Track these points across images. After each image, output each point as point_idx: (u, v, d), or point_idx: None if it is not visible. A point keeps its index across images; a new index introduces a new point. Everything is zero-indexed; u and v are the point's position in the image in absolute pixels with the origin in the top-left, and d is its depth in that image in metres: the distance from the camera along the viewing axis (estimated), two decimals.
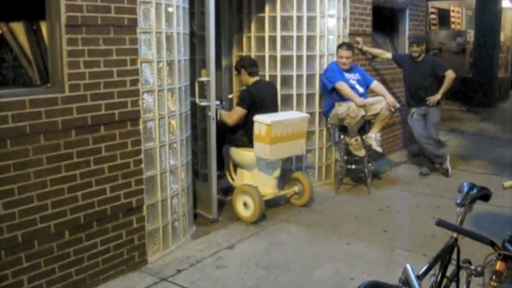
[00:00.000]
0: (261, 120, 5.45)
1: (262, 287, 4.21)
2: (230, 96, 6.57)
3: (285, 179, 6.14)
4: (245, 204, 5.55)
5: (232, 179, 6.08)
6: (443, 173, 7.33)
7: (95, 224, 4.08)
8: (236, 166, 6.03)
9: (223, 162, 6.16)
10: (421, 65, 7.21)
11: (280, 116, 5.80)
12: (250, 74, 5.79)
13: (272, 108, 5.83)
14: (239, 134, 5.80)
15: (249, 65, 5.82)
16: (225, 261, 4.63)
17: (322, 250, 4.89)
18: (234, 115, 5.73)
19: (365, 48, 7.39)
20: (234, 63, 6.81)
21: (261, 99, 5.67)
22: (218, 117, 5.47)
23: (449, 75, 7.19)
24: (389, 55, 7.64)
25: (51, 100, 3.67)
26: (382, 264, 4.56)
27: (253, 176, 5.78)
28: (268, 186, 5.79)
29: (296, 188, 6.06)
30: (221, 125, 5.81)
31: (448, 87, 7.26)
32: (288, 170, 6.35)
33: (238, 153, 5.84)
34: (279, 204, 6.08)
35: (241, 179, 5.90)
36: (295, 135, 5.67)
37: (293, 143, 5.68)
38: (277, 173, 5.85)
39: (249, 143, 5.64)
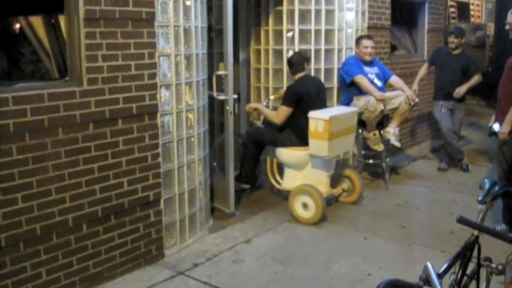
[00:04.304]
0: (318, 116, 5.25)
1: (279, 281, 4.20)
2: (271, 97, 6.34)
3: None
4: (304, 205, 5.35)
5: (278, 182, 5.87)
6: (463, 169, 7.25)
7: (113, 217, 4.09)
8: (280, 167, 5.87)
9: (254, 174, 6.09)
10: (457, 59, 7.10)
11: (334, 111, 5.65)
12: (295, 72, 5.71)
13: (319, 104, 5.61)
14: (286, 133, 5.61)
15: (295, 62, 5.69)
16: (242, 256, 4.62)
17: (339, 245, 4.86)
18: (281, 115, 5.54)
19: (415, 86, 7.29)
20: (251, 57, 6.81)
21: (306, 95, 5.51)
22: (235, 111, 5.43)
23: (478, 78, 7.11)
24: (426, 66, 7.49)
25: (70, 94, 3.68)
26: (400, 260, 4.53)
27: (306, 176, 5.57)
28: (322, 184, 5.55)
29: (345, 186, 5.91)
30: (258, 131, 5.82)
31: (472, 86, 7.16)
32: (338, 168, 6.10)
33: (287, 153, 5.63)
34: (330, 203, 5.82)
35: (291, 180, 5.66)
36: (347, 130, 5.52)
37: (346, 138, 5.52)
38: (332, 170, 5.66)
39: (298, 141, 5.52)
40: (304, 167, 5.59)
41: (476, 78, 7.12)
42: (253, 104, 6.16)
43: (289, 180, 5.69)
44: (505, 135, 4.87)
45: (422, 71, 7.49)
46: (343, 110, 5.77)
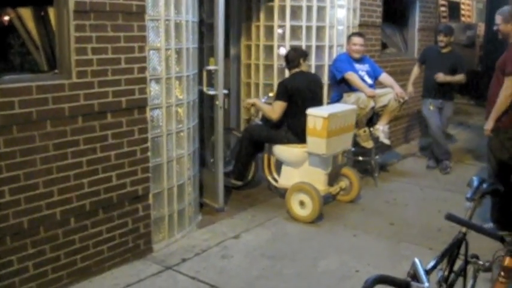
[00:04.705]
0: (316, 114, 5.23)
1: (268, 277, 4.20)
2: (270, 94, 6.20)
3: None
4: (301, 203, 5.31)
5: (275, 180, 5.85)
6: (442, 168, 7.21)
7: (101, 211, 4.07)
8: (277, 165, 5.83)
9: (247, 171, 6.11)
10: (446, 57, 7.10)
11: (333, 108, 5.60)
12: (290, 68, 5.70)
13: (312, 100, 5.55)
14: (283, 130, 5.59)
15: (290, 59, 5.67)
16: (230, 251, 4.62)
17: (328, 242, 4.87)
18: (276, 110, 5.51)
19: (410, 88, 7.37)
20: (242, 52, 6.80)
21: (296, 90, 5.46)
22: (226, 106, 5.41)
23: (461, 77, 7.12)
24: (417, 66, 7.51)
25: (58, 86, 3.65)
26: (388, 257, 4.54)
27: (304, 173, 5.53)
28: (320, 183, 5.49)
29: (343, 184, 5.87)
30: (256, 128, 5.79)
31: (454, 82, 7.17)
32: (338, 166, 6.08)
33: (285, 151, 5.60)
34: (327, 202, 5.78)
35: (288, 177, 5.63)
36: (346, 128, 5.48)
37: (344, 136, 5.50)
38: (330, 168, 5.59)
39: (295, 139, 5.49)
40: (302, 165, 5.56)
41: (459, 77, 7.12)
42: (250, 100, 6.12)
43: (286, 178, 5.66)
44: (488, 132, 4.91)
45: (415, 71, 7.49)
46: (342, 107, 5.72)
